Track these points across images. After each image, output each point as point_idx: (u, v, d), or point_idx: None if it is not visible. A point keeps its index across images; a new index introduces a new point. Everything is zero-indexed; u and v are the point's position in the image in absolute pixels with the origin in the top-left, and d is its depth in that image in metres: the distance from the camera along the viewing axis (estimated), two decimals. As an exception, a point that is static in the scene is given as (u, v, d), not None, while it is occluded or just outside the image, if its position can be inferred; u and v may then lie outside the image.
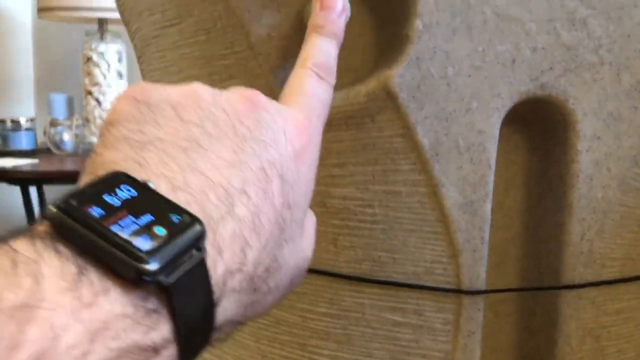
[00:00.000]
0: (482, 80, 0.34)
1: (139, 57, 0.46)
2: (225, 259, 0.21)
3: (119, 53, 1.72)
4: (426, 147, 0.35)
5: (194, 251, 0.20)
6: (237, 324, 0.24)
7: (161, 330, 0.19)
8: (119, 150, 0.22)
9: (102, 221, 0.19)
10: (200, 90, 0.25)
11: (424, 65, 0.34)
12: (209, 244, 0.21)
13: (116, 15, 1.64)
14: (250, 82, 0.36)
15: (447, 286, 0.37)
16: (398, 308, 0.37)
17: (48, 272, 0.18)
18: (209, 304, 0.21)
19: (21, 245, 0.18)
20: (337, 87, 0.35)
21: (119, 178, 0.21)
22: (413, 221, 0.36)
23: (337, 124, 0.35)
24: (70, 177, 1.53)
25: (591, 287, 0.38)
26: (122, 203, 0.20)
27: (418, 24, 0.33)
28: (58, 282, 0.18)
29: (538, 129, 0.38)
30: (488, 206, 0.36)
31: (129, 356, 0.18)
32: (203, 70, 0.38)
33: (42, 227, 0.19)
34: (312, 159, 0.28)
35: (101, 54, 1.68)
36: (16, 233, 0.19)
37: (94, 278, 0.18)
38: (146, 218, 0.20)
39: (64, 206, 0.19)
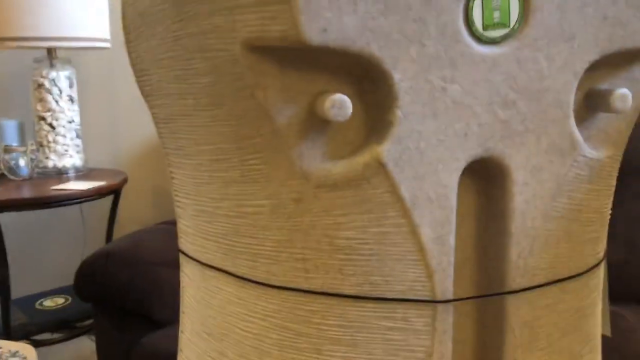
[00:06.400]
0: (444, 149, 0.48)
1: (159, 120, 0.57)
2: None
3: (70, 79, 1.76)
4: (407, 199, 0.47)
5: None
6: None
7: None
8: None
9: None
10: None
11: (403, 142, 0.46)
12: None
13: (65, 43, 1.67)
14: (272, 156, 0.47)
15: (426, 298, 0.50)
16: (390, 317, 0.50)
17: None
18: None
19: None
20: (339, 157, 0.47)
21: None
22: (399, 253, 0.49)
23: (341, 185, 0.47)
24: (27, 203, 1.57)
25: (526, 291, 0.52)
26: None
27: (398, 113, 0.46)
28: None
29: (482, 176, 0.52)
30: (452, 238, 0.50)
31: None
32: (233, 145, 0.49)
33: None
34: None
35: (52, 81, 1.73)
36: None
37: None
38: None
39: None
